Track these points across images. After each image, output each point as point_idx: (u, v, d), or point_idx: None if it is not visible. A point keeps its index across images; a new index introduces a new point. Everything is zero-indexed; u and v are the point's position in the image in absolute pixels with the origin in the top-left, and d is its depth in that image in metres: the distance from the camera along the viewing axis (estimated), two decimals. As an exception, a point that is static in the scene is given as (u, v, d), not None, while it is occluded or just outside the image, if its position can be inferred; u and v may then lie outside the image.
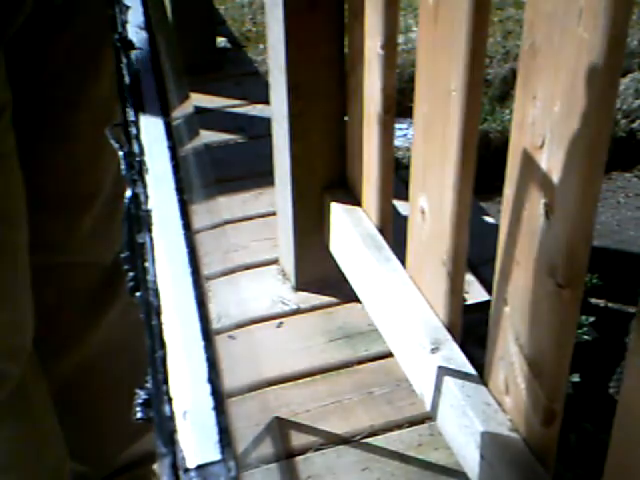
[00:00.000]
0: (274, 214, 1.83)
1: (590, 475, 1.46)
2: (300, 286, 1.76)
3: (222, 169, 2.13)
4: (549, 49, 0.90)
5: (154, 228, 0.45)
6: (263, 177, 1.99)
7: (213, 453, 0.34)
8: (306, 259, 1.73)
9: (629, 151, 2.74)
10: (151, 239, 0.45)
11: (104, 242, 1.02)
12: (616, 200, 2.58)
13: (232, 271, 1.80)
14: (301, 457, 1.41)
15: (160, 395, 0.36)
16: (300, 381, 1.55)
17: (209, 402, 0.36)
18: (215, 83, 2.55)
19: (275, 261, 1.83)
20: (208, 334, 0.39)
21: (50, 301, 1.01)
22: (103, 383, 1.12)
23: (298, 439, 1.44)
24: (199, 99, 2.44)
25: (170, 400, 0.36)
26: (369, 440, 1.44)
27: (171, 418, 0.35)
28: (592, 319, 1.86)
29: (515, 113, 0.99)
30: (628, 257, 2.32)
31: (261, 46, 2.96)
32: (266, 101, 1.72)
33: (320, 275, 1.75)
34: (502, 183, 1.04)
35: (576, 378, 1.67)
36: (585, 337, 1.80)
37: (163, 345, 0.39)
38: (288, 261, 1.76)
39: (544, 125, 0.93)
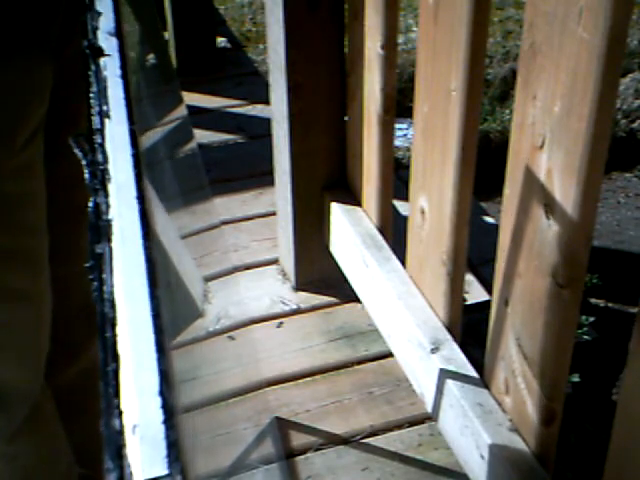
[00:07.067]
0: (274, 214, 1.83)
1: (590, 475, 1.46)
2: (300, 286, 1.75)
3: (222, 169, 2.13)
4: (549, 49, 0.90)
5: (114, 238, 0.45)
6: (263, 177, 2.00)
7: (160, 468, 0.33)
8: (306, 259, 1.73)
9: (629, 151, 2.74)
10: (110, 249, 0.44)
11: None
12: (616, 200, 2.57)
13: (232, 271, 1.80)
14: (301, 457, 1.40)
15: (110, 409, 0.36)
16: (300, 381, 1.55)
17: (159, 415, 0.35)
18: (215, 83, 2.55)
19: (275, 261, 1.83)
20: (162, 346, 0.38)
21: (55, 312, 1.01)
22: None
23: (298, 439, 1.44)
24: (199, 99, 2.44)
25: (120, 414, 0.35)
26: (369, 440, 1.44)
27: (120, 432, 0.34)
28: (592, 319, 1.86)
29: (515, 113, 0.99)
30: (628, 257, 2.32)
31: (261, 46, 2.96)
32: (266, 101, 1.72)
33: (320, 275, 1.74)
34: (502, 183, 1.04)
35: (576, 378, 1.67)
36: (585, 337, 1.80)
37: (116, 357, 0.38)
38: (288, 261, 1.76)
39: (544, 125, 0.93)
